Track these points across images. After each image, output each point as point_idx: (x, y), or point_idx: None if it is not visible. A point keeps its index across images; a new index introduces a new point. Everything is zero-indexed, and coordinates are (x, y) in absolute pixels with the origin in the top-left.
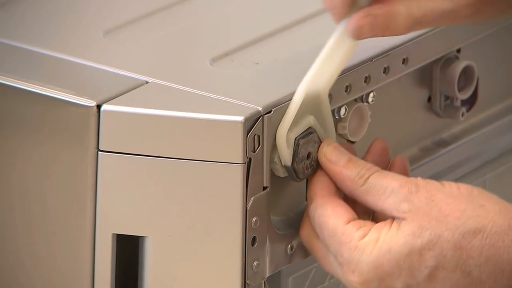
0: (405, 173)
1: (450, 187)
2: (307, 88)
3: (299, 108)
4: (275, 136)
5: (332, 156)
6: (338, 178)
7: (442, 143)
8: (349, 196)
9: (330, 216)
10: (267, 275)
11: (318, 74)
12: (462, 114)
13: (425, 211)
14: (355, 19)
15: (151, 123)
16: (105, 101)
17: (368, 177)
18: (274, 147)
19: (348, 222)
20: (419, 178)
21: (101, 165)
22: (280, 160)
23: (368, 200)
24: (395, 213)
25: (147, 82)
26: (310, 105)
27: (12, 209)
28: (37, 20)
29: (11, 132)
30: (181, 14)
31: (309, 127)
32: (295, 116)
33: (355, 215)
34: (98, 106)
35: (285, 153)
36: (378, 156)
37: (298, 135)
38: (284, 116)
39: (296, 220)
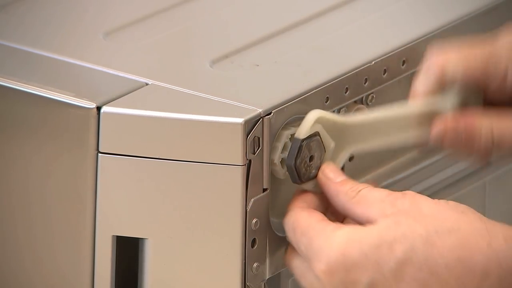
0: None
1: (438, 200)
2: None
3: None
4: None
5: (330, 174)
6: (333, 193)
7: None
8: (341, 212)
9: (304, 218)
10: (267, 277)
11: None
12: None
13: (406, 212)
14: (439, 130)
15: (151, 125)
16: (105, 103)
17: (360, 190)
18: (274, 148)
19: (322, 220)
20: (409, 191)
21: (101, 167)
22: (280, 162)
23: (357, 210)
24: (379, 218)
25: (147, 84)
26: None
27: (12, 211)
28: (37, 21)
29: (11, 134)
30: (181, 16)
31: (316, 132)
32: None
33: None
34: (98, 108)
35: (304, 128)
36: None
37: (305, 137)
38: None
39: None
